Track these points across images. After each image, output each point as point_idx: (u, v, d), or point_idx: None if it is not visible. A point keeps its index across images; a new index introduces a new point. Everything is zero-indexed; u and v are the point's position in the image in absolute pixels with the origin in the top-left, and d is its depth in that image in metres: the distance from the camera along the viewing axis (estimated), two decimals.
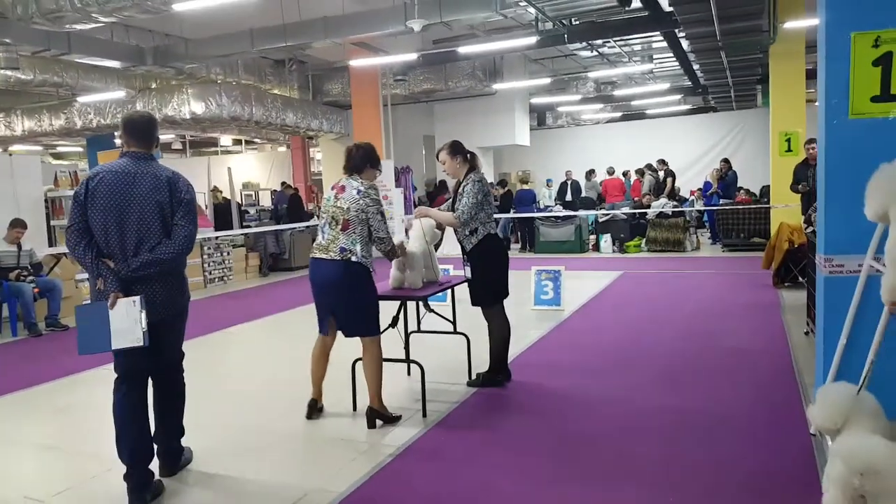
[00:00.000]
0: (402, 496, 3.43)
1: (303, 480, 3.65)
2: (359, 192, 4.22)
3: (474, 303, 5.04)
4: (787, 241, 8.74)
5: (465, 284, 5.06)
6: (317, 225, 4.63)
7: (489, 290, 4.99)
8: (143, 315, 3.34)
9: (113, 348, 3.40)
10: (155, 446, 3.68)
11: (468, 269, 4.98)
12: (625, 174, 17.97)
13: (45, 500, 3.54)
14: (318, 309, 4.41)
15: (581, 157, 20.80)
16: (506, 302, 5.12)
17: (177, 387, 3.83)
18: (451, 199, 5.10)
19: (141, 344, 3.34)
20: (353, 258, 4.16)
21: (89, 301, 3.59)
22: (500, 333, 5.07)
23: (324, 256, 4.21)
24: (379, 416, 4.35)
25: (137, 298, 3.34)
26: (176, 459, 3.84)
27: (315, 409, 4.55)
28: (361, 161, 4.35)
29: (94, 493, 3.66)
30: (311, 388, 4.60)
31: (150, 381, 3.71)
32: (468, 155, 5.04)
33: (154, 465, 3.63)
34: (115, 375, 3.62)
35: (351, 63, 13.27)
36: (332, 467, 3.78)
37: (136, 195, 3.42)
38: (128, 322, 3.34)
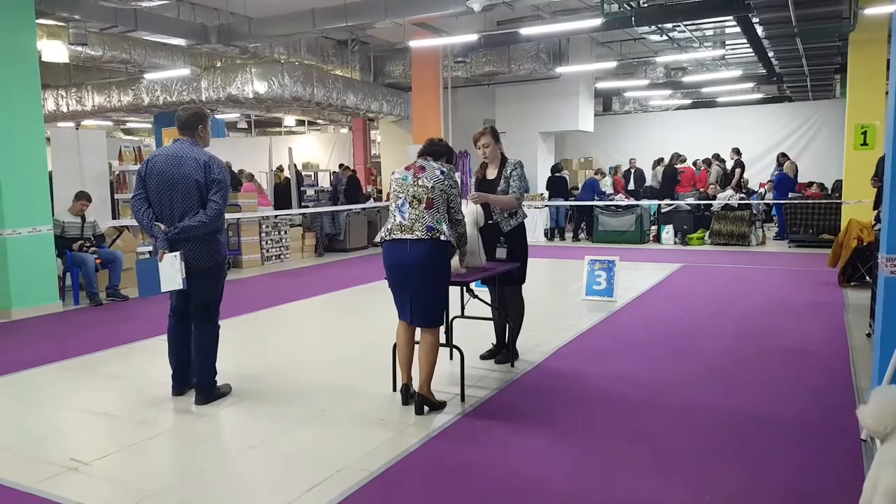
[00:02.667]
0: (434, 478, 3.39)
1: (337, 456, 3.65)
2: (442, 172, 4.22)
3: (509, 282, 5.14)
4: (856, 239, 8.36)
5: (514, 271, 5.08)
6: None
7: (523, 269, 5.23)
8: (182, 266, 4.33)
9: (161, 291, 4.41)
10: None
11: (503, 251, 5.10)
12: (694, 164, 17.44)
13: (90, 463, 3.63)
14: (398, 294, 4.30)
15: (647, 144, 20.30)
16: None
17: (206, 333, 4.57)
18: (477, 182, 5.30)
19: (181, 287, 4.35)
20: (442, 237, 4.10)
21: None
22: (521, 312, 5.32)
23: (408, 236, 4.10)
24: (427, 402, 4.28)
25: (178, 254, 4.32)
26: (206, 393, 4.55)
27: (409, 395, 4.40)
28: (441, 152, 4.40)
29: (136, 458, 3.74)
30: (402, 373, 4.43)
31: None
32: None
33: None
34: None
35: (411, 44, 13.23)
36: (366, 446, 3.77)
37: (181, 174, 4.34)
38: (171, 272, 4.34)
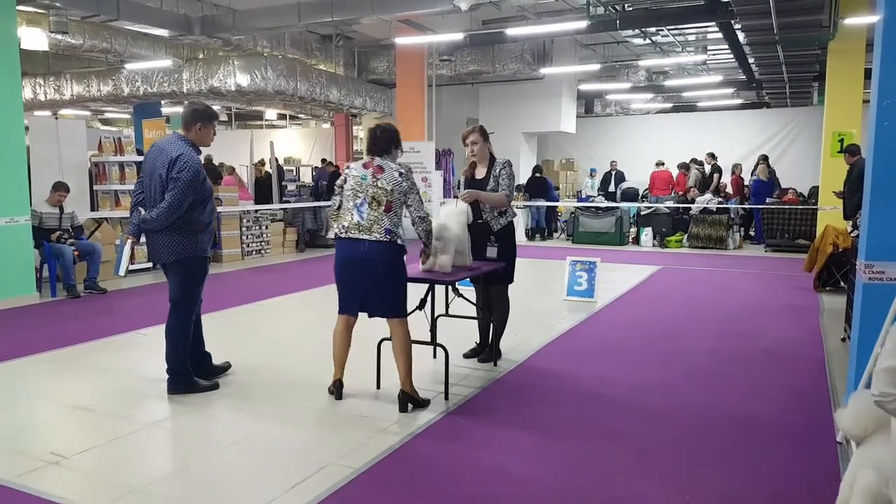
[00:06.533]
0: (418, 476, 3.41)
1: (321, 453, 3.65)
2: (401, 174, 4.23)
3: (496, 281, 5.17)
4: (832, 245, 8.51)
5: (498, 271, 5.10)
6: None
7: (511, 269, 5.26)
8: (127, 256, 4.81)
9: (117, 273, 5.14)
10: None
11: (493, 249, 5.12)
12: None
13: (69, 457, 3.60)
14: (347, 289, 4.33)
15: (628, 147, 20.43)
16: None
17: (170, 323, 4.61)
18: (463, 183, 5.33)
19: (120, 275, 5.11)
20: (399, 241, 4.22)
21: None
22: (507, 312, 5.34)
23: (366, 237, 4.15)
24: (411, 399, 4.29)
25: (129, 243, 4.74)
26: (171, 382, 4.62)
27: (340, 390, 4.50)
28: (387, 143, 4.32)
29: (118, 453, 3.72)
30: (333, 369, 4.54)
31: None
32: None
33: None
34: None
35: (397, 41, 13.20)
36: (351, 443, 3.78)
37: (155, 166, 4.46)
38: (124, 258, 4.81)
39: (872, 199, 4.12)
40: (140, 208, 4.53)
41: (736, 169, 16.11)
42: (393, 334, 4.32)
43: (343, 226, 4.24)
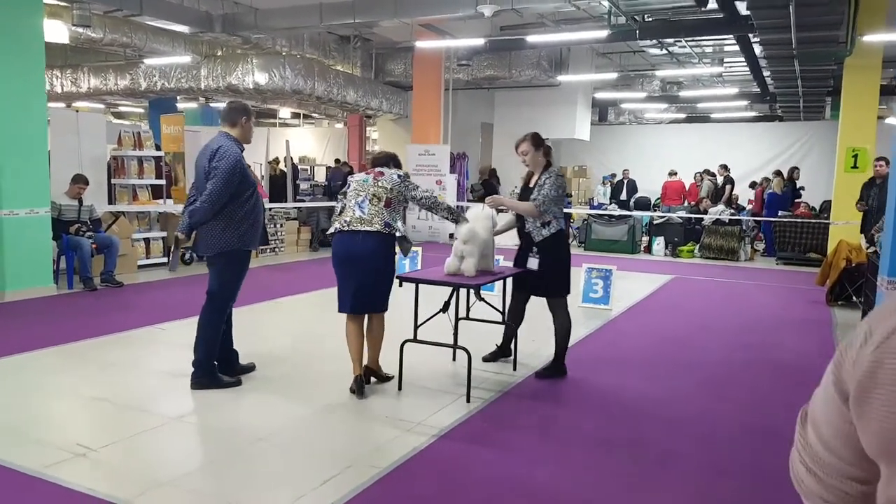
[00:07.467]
0: (444, 477, 3.43)
1: (348, 452, 3.69)
2: (399, 177, 4.66)
3: (541, 294, 5.10)
4: (845, 260, 8.53)
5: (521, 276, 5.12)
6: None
7: (560, 282, 5.07)
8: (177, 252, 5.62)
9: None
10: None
11: (534, 261, 5.01)
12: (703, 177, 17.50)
13: (96, 449, 3.63)
14: (346, 283, 4.53)
15: (640, 156, 20.44)
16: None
17: (203, 315, 4.67)
18: (518, 190, 5.24)
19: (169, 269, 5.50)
20: (397, 233, 4.50)
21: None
22: (566, 326, 5.15)
23: (367, 229, 4.43)
24: (375, 374, 4.77)
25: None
26: (196, 374, 4.64)
27: (361, 387, 4.56)
28: (387, 160, 4.86)
29: (144, 446, 3.76)
30: (351, 366, 4.62)
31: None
32: (547, 148, 5.15)
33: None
34: None
35: (417, 44, 13.25)
36: (375, 443, 3.82)
37: (201, 162, 4.57)
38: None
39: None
40: (188, 208, 4.65)
41: (763, 182, 16.11)
42: (375, 326, 4.66)
43: (345, 220, 4.51)
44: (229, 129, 4.71)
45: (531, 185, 5.09)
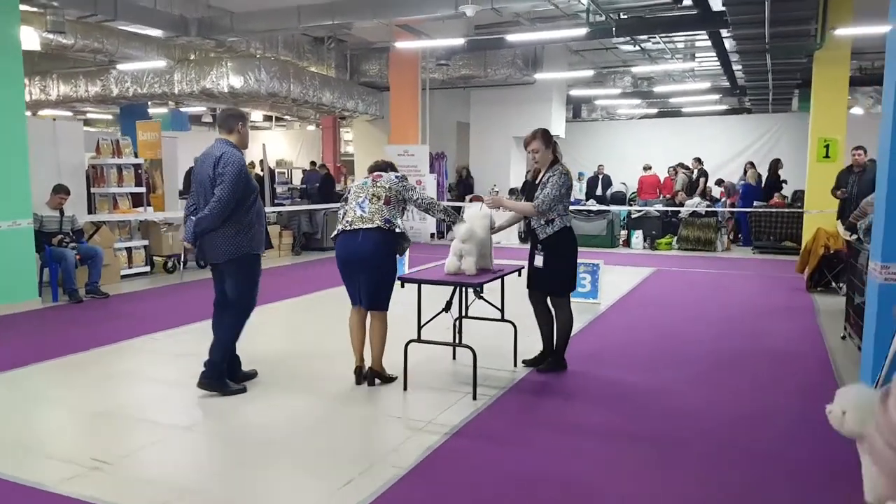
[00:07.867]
0: (466, 474, 3.47)
1: (365, 453, 3.74)
2: (397, 177, 4.89)
3: (544, 291, 5.13)
4: (823, 247, 8.75)
5: (520, 272, 5.21)
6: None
7: (563, 280, 5.08)
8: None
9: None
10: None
11: (540, 258, 5.04)
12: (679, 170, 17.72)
13: (112, 462, 3.59)
14: (349, 283, 4.76)
15: (614, 152, 20.67)
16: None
17: (222, 316, 4.74)
18: (524, 188, 5.27)
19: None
20: (397, 229, 4.69)
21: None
22: (568, 322, 5.18)
23: (368, 226, 4.61)
24: (379, 376, 4.83)
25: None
26: (206, 375, 4.64)
27: (362, 376, 4.83)
28: (385, 167, 5.11)
29: (159, 456, 3.74)
30: (353, 359, 4.89)
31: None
32: (555, 144, 5.17)
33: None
34: None
35: (397, 45, 13.24)
36: (390, 443, 3.85)
37: (204, 171, 4.59)
38: None
39: (888, 203, 4.29)
40: (192, 217, 4.63)
41: (727, 185, 16.44)
42: (376, 324, 4.76)
43: (347, 220, 4.69)
44: (227, 136, 4.73)
45: (537, 181, 5.09)
